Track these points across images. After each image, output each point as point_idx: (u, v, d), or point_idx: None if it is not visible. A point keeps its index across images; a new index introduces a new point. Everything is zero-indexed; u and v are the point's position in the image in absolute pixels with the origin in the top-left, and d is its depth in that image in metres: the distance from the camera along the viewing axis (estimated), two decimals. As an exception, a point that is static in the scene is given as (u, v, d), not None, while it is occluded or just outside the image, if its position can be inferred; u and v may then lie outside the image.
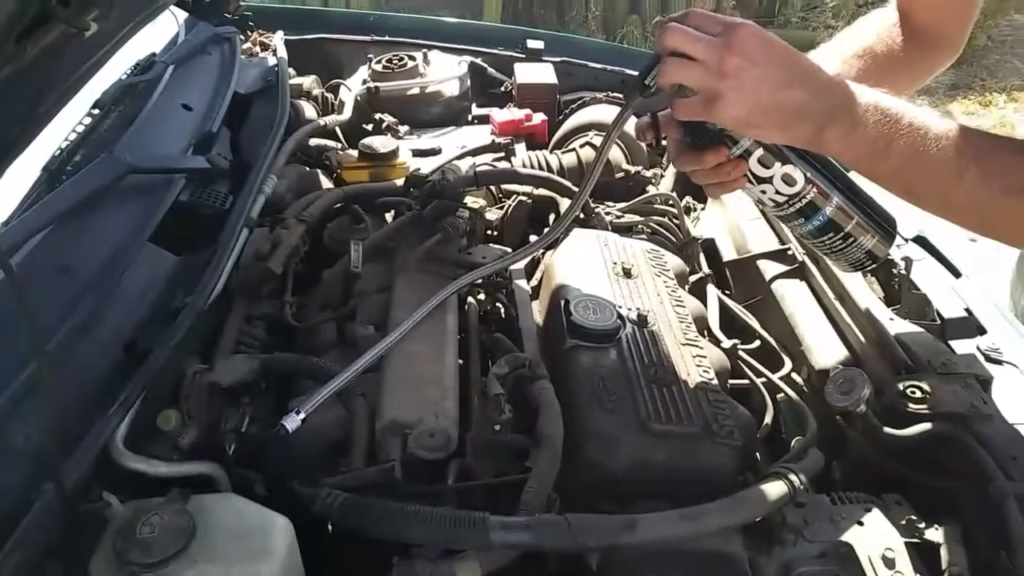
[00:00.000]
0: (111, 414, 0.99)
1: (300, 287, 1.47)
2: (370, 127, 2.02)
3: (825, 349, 1.41)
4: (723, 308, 1.55)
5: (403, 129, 2.02)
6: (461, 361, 1.31)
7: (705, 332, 1.44)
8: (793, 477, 1.07)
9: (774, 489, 1.05)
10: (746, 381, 1.39)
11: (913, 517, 1.14)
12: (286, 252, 1.38)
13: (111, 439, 1.00)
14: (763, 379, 1.39)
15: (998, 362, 1.34)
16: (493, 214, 1.65)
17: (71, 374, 1.06)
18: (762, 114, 0.96)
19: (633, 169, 1.87)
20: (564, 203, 1.68)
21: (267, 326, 1.36)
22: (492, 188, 1.74)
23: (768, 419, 1.33)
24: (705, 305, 1.53)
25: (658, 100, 1.02)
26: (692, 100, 0.98)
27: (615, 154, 1.89)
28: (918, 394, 1.21)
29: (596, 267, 1.45)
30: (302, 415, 1.08)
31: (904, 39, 1.30)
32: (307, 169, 1.81)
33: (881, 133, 0.97)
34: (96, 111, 1.54)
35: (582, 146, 1.91)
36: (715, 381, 1.25)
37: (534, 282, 1.55)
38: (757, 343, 1.49)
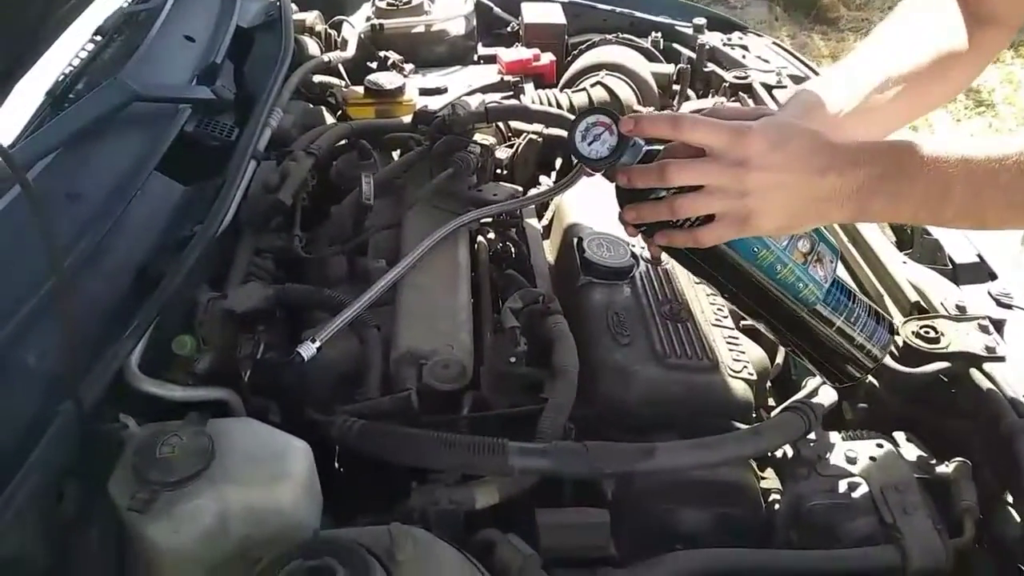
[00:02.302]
0: (125, 337, 0.98)
1: (307, 224, 1.45)
2: (374, 65, 1.99)
3: (837, 291, 1.40)
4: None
5: (408, 68, 1.98)
6: (473, 300, 1.30)
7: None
8: (808, 411, 1.07)
9: (789, 423, 1.06)
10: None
11: (924, 454, 1.15)
12: (295, 184, 1.36)
13: (126, 362, 0.99)
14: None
15: (1009, 307, 1.34)
16: (503, 152, 1.63)
17: (82, 301, 1.04)
18: (800, 214, 0.90)
19: (644, 110, 1.84)
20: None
21: (276, 259, 1.34)
22: (502, 126, 1.71)
23: (779, 359, 1.33)
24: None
25: None
26: (720, 225, 0.89)
27: (626, 94, 1.86)
28: (932, 334, 1.21)
29: (609, 206, 1.43)
30: (317, 343, 1.07)
31: (969, 27, 1.10)
32: (311, 105, 1.78)
33: (933, 181, 0.87)
34: (98, 38, 1.50)
35: (592, 85, 1.88)
36: (728, 319, 1.25)
37: (544, 221, 1.53)
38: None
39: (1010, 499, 1.11)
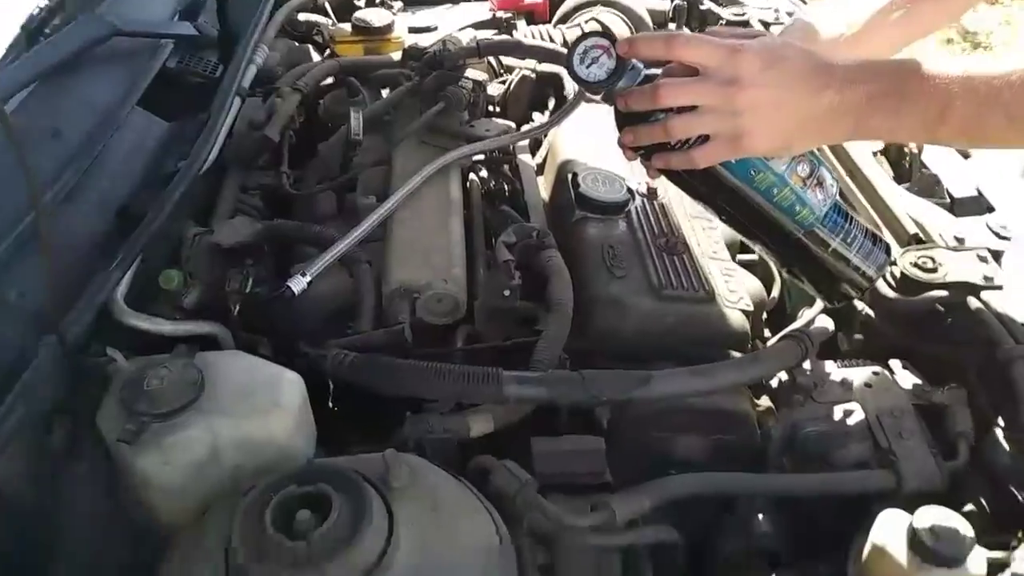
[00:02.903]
0: (109, 271, 0.95)
1: (294, 162, 1.42)
2: (361, 3, 1.94)
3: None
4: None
5: (396, 5, 1.93)
6: (465, 237, 1.28)
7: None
8: (805, 339, 1.06)
9: (786, 350, 1.05)
10: (754, 256, 1.38)
11: (919, 382, 1.15)
12: (282, 120, 1.33)
13: (111, 296, 0.97)
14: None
15: (1006, 239, 1.33)
16: (495, 89, 1.60)
17: (64, 237, 1.01)
18: (796, 134, 0.87)
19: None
20: (568, 79, 1.62)
21: (264, 197, 1.32)
22: (494, 63, 1.68)
23: (775, 292, 1.32)
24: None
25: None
26: (714, 145, 0.87)
27: (621, 29, 1.82)
28: (930, 264, 1.20)
29: (603, 140, 1.41)
30: (308, 277, 1.06)
31: None
32: (296, 44, 1.73)
33: (933, 98, 0.85)
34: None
35: (587, 21, 1.84)
36: (725, 252, 1.24)
37: (539, 158, 1.51)
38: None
39: (1001, 425, 1.11)
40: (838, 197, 0.99)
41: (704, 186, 0.94)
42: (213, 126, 1.26)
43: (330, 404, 1.12)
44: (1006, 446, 1.10)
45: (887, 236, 1.31)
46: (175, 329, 1.00)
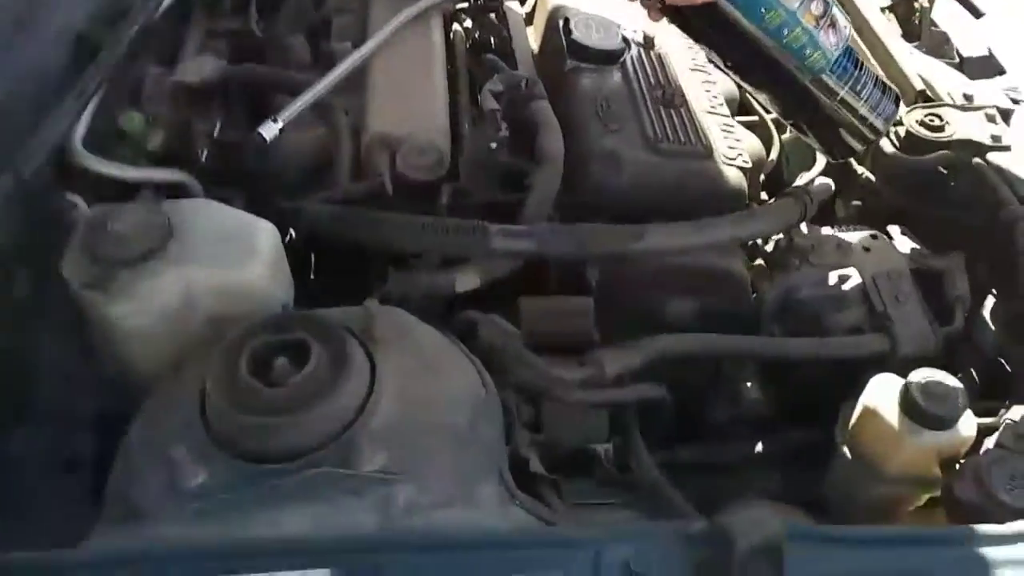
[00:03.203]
0: (65, 107, 0.88)
1: (265, 9, 1.31)
2: None
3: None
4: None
5: None
6: (450, 92, 1.20)
7: (712, 62, 1.33)
8: (805, 197, 1.02)
9: (786, 207, 1.01)
10: (754, 118, 1.31)
11: (917, 246, 1.12)
12: (249, -45, 1.22)
13: (70, 140, 0.90)
14: (772, 115, 1.31)
15: (1016, 101, 1.28)
16: (482, -70, 1.47)
17: (14, 69, 0.93)
18: None
19: None
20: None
21: (232, 44, 1.22)
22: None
23: (774, 154, 1.26)
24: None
25: None
26: None
27: None
28: (936, 122, 1.15)
29: (597, -12, 1.31)
30: (280, 123, 0.99)
31: None
32: None
33: None
34: None
35: None
36: (724, 107, 1.17)
37: (527, 7, 1.41)
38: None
39: (994, 294, 1.09)
40: (849, 43, 0.94)
41: (710, 27, 0.88)
42: (173, -41, 1.14)
43: (308, 261, 1.08)
44: (991, 324, 1.09)
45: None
46: (139, 175, 0.93)
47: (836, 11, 0.90)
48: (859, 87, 0.93)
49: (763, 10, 0.85)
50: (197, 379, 0.75)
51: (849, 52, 0.93)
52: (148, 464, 0.72)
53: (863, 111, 0.95)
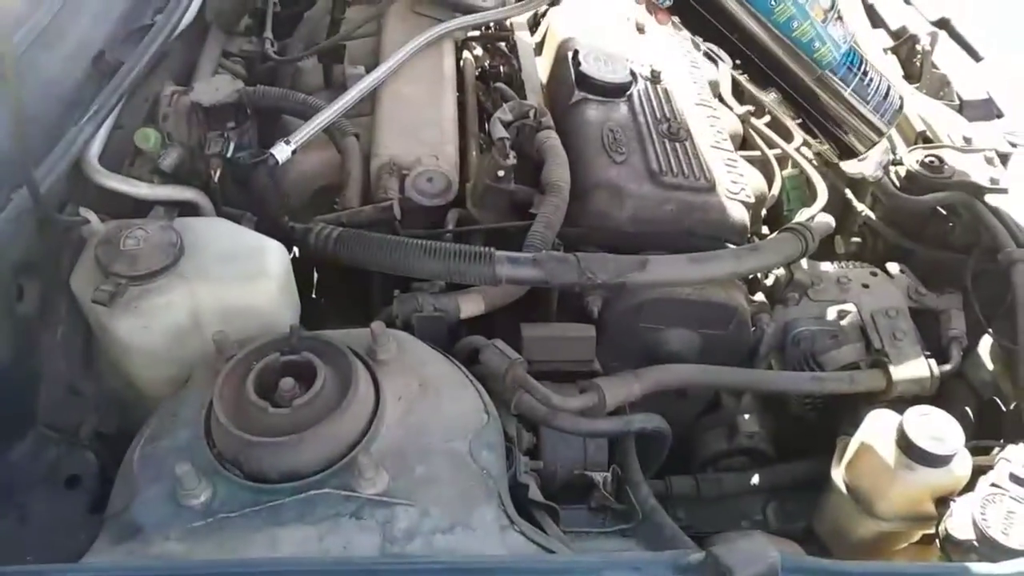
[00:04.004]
0: (83, 123, 0.89)
1: (280, 31, 1.34)
2: None
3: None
4: (734, 80, 1.46)
5: None
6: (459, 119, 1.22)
7: (718, 98, 1.36)
8: (806, 233, 1.03)
9: (787, 242, 1.02)
10: (756, 152, 1.33)
11: (916, 285, 1.13)
12: (266, -22, 1.24)
13: (85, 156, 0.92)
14: (774, 151, 1.33)
15: (1013, 144, 1.30)
16: (495, -40, 1.49)
17: (35, 85, 0.94)
18: None
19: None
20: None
21: (247, 65, 1.24)
22: (492, -67, 1.56)
23: (775, 189, 1.28)
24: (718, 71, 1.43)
25: None
26: None
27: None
28: (936, 163, 1.17)
29: (607, 20, 1.34)
30: (292, 145, 1.00)
31: None
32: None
33: None
34: None
35: None
36: (728, 142, 1.19)
37: (537, 37, 1.43)
38: (768, 118, 1.42)
39: (991, 334, 1.10)
40: (854, 42, 0.96)
41: (720, 22, 0.90)
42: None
43: (315, 282, 1.10)
44: (988, 364, 1.10)
45: (895, 135, 1.27)
46: (152, 192, 0.95)
47: (840, 7, 0.93)
48: (863, 85, 0.95)
49: (773, 3, 0.87)
50: (201, 397, 0.76)
51: (853, 51, 0.95)
52: (150, 481, 0.72)
53: (867, 112, 0.96)
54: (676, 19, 0.94)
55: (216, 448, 0.73)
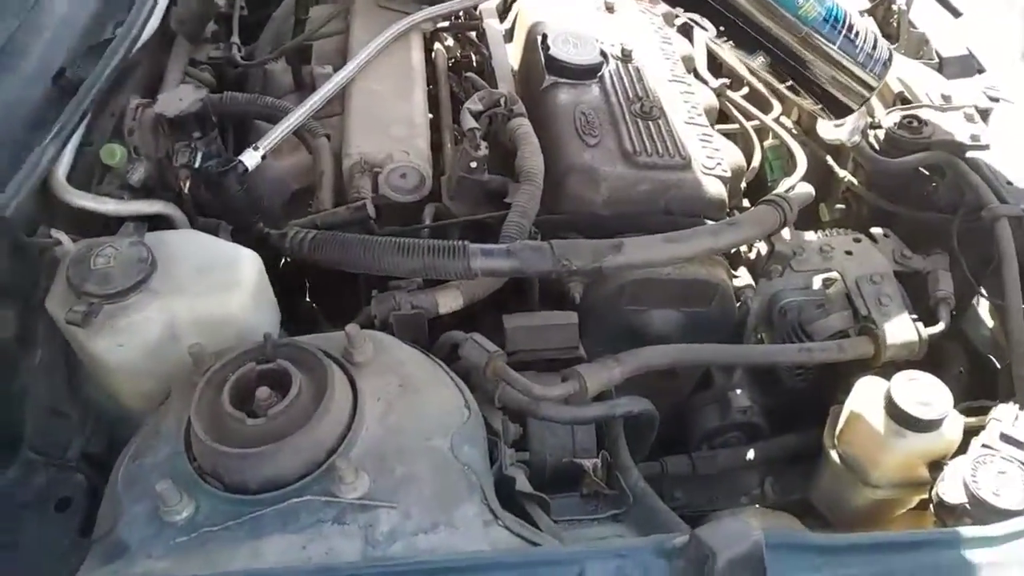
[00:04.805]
0: (47, 143, 0.89)
1: (247, 35, 1.33)
2: None
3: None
4: (710, 53, 1.45)
5: None
6: (431, 115, 1.21)
7: (692, 73, 1.34)
8: (784, 204, 1.02)
9: (765, 215, 1.01)
10: (734, 126, 1.32)
11: (901, 248, 1.12)
12: (229, -17, 1.23)
13: (53, 174, 0.91)
14: (752, 122, 1.31)
15: (995, 99, 1.28)
16: (460, -51, 1.48)
17: (-5, 108, 0.94)
18: None
19: None
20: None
21: (215, 73, 1.24)
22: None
23: (755, 161, 1.27)
24: (692, 46, 1.41)
25: None
26: None
27: None
28: (915, 124, 1.16)
29: (575, 2, 1.33)
30: (261, 151, 1.00)
31: None
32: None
33: None
34: None
35: None
36: (703, 117, 1.18)
37: (507, 24, 1.42)
38: (746, 90, 1.40)
39: (983, 294, 1.09)
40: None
41: None
42: (153, -9, 1.15)
43: (292, 285, 1.09)
44: (987, 319, 1.09)
45: (872, 99, 1.25)
46: (121, 208, 0.94)
47: None
48: (850, 40, 0.94)
49: None
50: (182, 413, 0.76)
51: (837, 5, 0.94)
52: (134, 500, 0.72)
53: (854, 68, 0.95)
54: None
55: (196, 462, 0.73)
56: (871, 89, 1.00)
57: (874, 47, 0.97)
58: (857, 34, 0.96)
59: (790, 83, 1.03)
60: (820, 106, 1.04)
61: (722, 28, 0.95)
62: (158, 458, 0.75)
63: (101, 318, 0.81)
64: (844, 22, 0.95)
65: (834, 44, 0.95)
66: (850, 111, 1.04)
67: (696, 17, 0.95)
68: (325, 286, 1.17)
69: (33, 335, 0.90)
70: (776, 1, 0.90)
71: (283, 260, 1.07)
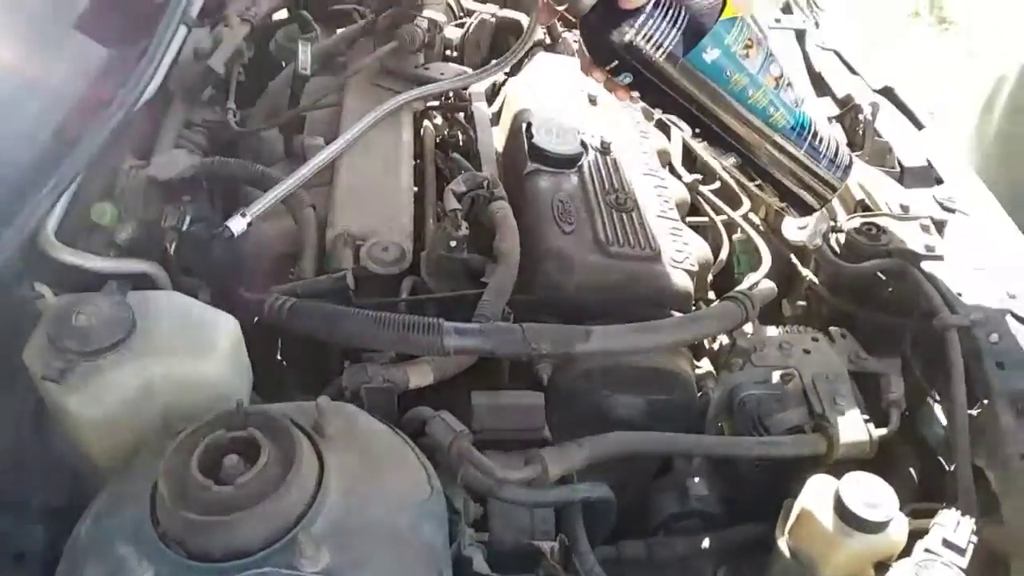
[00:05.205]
0: (41, 198, 0.91)
1: (244, 101, 1.38)
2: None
3: (784, 189, 1.39)
4: (685, 148, 1.52)
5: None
6: (416, 188, 1.26)
7: (667, 167, 1.41)
8: (746, 301, 1.07)
9: (727, 311, 1.05)
10: (704, 219, 1.38)
11: (857, 349, 1.17)
12: (228, 51, 1.28)
13: (42, 229, 0.93)
14: (722, 217, 1.37)
15: (951, 211, 1.35)
16: (453, 32, 1.55)
17: (-7, 159, 0.96)
18: None
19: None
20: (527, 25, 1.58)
21: (208, 135, 1.28)
22: (452, 5, 1.63)
23: (723, 255, 1.32)
24: (669, 140, 1.48)
25: None
26: None
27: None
28: (874, 232, 1.22)
29: (561, 92, 1.39)
30: (248, 217, 1.03)
31: None
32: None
33: None
34: None
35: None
36: (674, 211, 1.23)
37: (495, 108, 1.48)
38: (717, 184, 1.47)
39: (935, 399, 1.14)
40: (803, 106, 1.01)
41: (677, 93, 0.93)
42: (155, 53, 1.19)
43: (266, 352, 1.11)
44: (941, 418, 1.14)
45: (835, 203, 1.32)
46: (106, 266, 0.96)
47: (789, 76, 0.98)
48: (815, 144, 0.99)
49: (727, 74, 0.91)
50: (149, 475, 0.77)
51: (804, 114, 1.00)
52: (95, 560, 0.73)
53: (821, 170, 1.00)
54: (635, 94, 0.97)
55: (161, 527, 0.74)
56: (833, 190, 1.05)
57: (836, 154, 1.03)
58: (821, 140, 1.01)
59: (758, 182, 1.08)
60: (785, 204, 1.09)
61: (697, 130, 1.00)
62: (122, 520, 0.75)
63: (77, 375, 0.83)
64: (809, 130, 1.00)
65: (800, 149, 1.00)
66: (813, 210, 1.09)
67: (673, 118, 1.00)
68: (295, 351, 1.19)
69: (5, 386, 0.91)
70: (748, 110, 0.95)
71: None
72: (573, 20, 0.92)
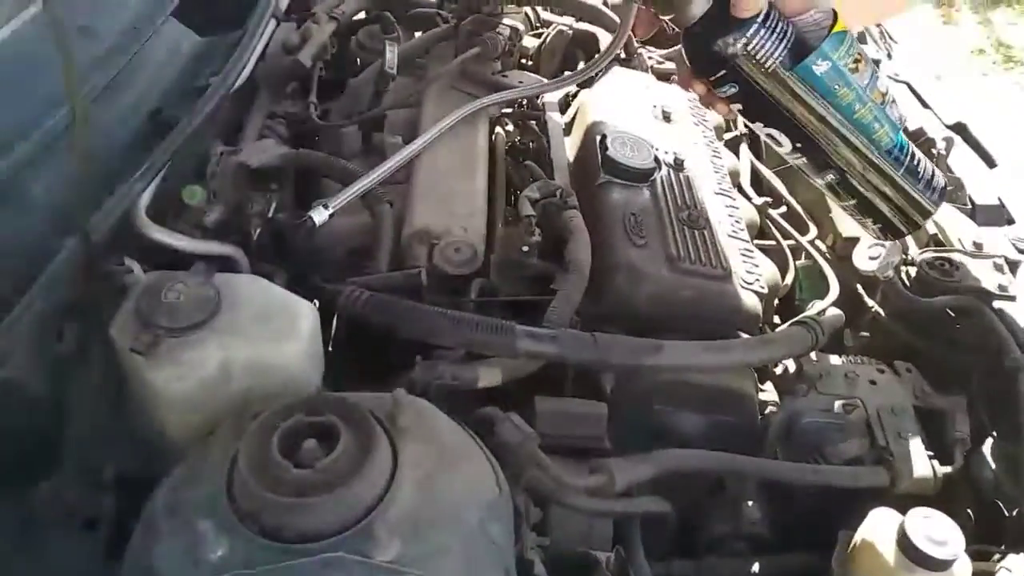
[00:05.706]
0: (136, 178, 0.94)
1: (323, 96, 1.40)
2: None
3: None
4: (754, 170, 1.52)
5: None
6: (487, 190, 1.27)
7: (737, 187, 1.41)
8: (816, 327, 1.06)
9: (797, 336, 1.05)
10: (771, 242, 1.37)
11: (923, 384, 1.16)
12: (316, 47, 1.31)
13: (135, 207, 0.96)
14: (789, 241, 1.37)
15: (1022, 251, 1.33)
16: (530, 41, 1.57)
17: (94, 136, 1.00)
18: None
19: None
20: (605, 40, 1.60)
21: (289, 126, 1.30)
22: (530, 15, 1.64)
23: (788, 279, 1.32)
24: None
25: None
26: None
27: None
28: (946, 267, 1.21)
29: (635, 107, 1.40)
30: (330, 209, 1.05)
31: None
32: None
33: None
34: None
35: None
36: (745, 232, 1.23)
37: (567, 118, 1.49)
38: (784, 208, 1.47)
39: (994, 436, 1.12)
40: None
41: (781, 107, 0.92)
42: (247, 44, 1.23)
43: (339, 342, 1.13)
44: (991, 462, 1.12)
45: (907, 238, 1.31)
46: (193, 247, 0.99)
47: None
48: (914, 165, 0.98)
49: (835, 87, 0.90)
50: (226, 452, 0.79)
51: (906, 132, 0.99)
52: (171, 530, 0.75)
53: (914, 194, 0.99)
54: (736, 107, 0.97)
55: (236, 503, 0.75)
56: (926, 215, 1.04)
57: (932, 177, 1.02)
58: (919, 162, 1.00)
59: (853, 202, 1.06)
60: (878, 225, 1.07)
61: (798, 144, 1.00)
62: (199, 494, 0.77)
63: (164, 350, 0.85)
64: (908, 150, 0.99)
65: (898, 171, 0.99)
66: (904, 233, 1.07)
67: (774, 133, 0.99)
68: (363, 343, 1.21)
69: (90, 356, 0.94)
70: (853, 125, 0.94)
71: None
72: (667, 34, 0.92)
